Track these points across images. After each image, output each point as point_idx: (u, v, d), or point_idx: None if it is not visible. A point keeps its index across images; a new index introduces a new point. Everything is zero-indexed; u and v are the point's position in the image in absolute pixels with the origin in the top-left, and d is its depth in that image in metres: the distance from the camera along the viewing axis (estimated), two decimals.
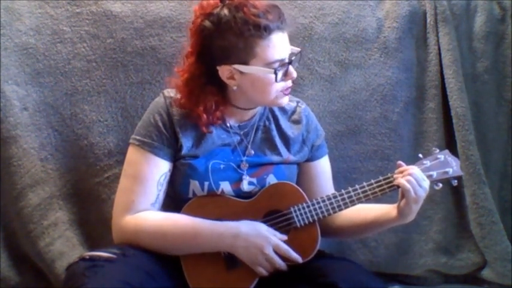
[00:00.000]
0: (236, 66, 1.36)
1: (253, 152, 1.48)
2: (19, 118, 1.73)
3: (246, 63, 1.36)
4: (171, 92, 1.47)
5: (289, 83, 1.41)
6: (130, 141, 1.45)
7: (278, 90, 1.40)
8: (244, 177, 1.45)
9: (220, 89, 1.43)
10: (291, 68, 1.39)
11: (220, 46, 1.36)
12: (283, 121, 1.53)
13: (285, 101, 1.44)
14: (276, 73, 1.35)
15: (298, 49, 1.43)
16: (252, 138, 1.49)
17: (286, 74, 1.39)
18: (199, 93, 1.41)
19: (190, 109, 1.42)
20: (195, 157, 1.43)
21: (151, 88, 1.78)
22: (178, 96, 1.43)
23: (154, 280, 1.28)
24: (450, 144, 1.93)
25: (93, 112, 1.77)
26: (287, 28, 1.39)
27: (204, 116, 1.41)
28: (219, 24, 1.35)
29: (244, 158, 1.47)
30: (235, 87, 1.40)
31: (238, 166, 1.46)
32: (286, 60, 1.38)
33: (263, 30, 1.33)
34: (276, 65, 1.36)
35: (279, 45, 1.36)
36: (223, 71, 1.38)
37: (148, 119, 1.44)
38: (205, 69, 1.40)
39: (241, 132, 1.48)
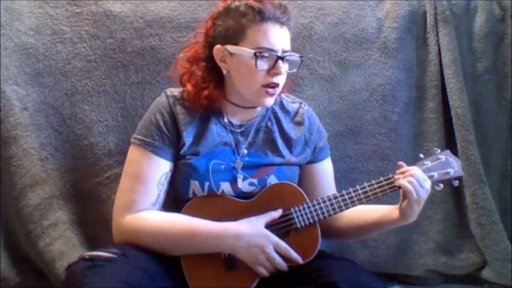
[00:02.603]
0: (227, 46, 1.39)
1: (246, 151, 1.47)
2: (19, 118, 1.72)
3: (235, 44, 1.39)
4: (174, 91, 1.47)
5: (274, 79, 1.39)
6: (132, 140, 1.45)
7: (260, 83, 1.39)
8: (238, 175, 1.45)
9: (216, 74, 1.44)
10: (280, 63, 1.38)
11: (220, 26, 1.42)
12: (286, 122, 1.53)
13: (268, 102, 1.42)
14: (256, 56, 1.36)
15: (300, 55, 1.45)
16: (252, 139, 1.49)
17: (272, 67, 1.38)
18: (194, 70, 1.45)
19: (185, 85, 1.45)
20: (196, 155, 1.43)
21: (151, 88, 1.78)
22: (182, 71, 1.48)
23: (154, 280, 1.28)
24: (450, 144, 1.93)
25: (93, 112, 1.77)
26: (288, 25, 1.41)
27: (192, 90, 1.43)
28: (226, 8, 1.42)
29: (239, 158, 1.47)
30: (225, 71, 1.43)
31: (234, 166, 1.46)
32: (278, 54, 1.38)
33: (256, 14, 1.36)
34: (262, 51, 1.37)
35: (270, 34, 1.38)
36: (217, 52, 1.42)
37: (149, 119, 1.45)
38: (207, 50, 1.45)
39: (239, 131, 1.48)
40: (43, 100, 1.76)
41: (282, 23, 1.39)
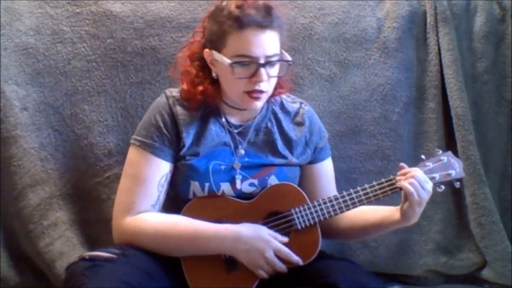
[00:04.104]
0: (213, 51, 1.39)
1: (243, 152, 1.47)
2: (19, 118, 1.73)
3: (219, 50, 1.38)
4: (173, 92, 1.47)
5: (257, 86, 1.36)
6: (131, 141, 1.45)
7: (241, 90, 1.38)
8: (237, 176, 1.44)
9: (210, 74, 1.43)
10: (261, 71, 1.35)
11: (208, 29, 1.41)
12: (286, 123, 1.52)
13: (255, 106, 1.41)
14: (231, 67, 1.35)
15: (286, 59, 1.42)
16: (251, 139, 1.48)
17: (253, 75, 1.36)
18: (189, 68, 1.45)
19: (183, 83, 1.46)
20: (196, 155, 1.43)
21: (151, 88, 1.79)
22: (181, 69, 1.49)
23: (154, 280, 1.28)
24: (450, 144, 1.93)
25: (93, 112, 1.77)
26: (272, 27, 1.36)
27: (187, 87, 1.43)
28: (215, 10, 1.41)
29: (237, 158, 1.46)
30: (214, 74, 1.42)
31: (233, 166, 1.46)
32: (260, 61, 1.35)
33: (234, 22, 1.34)
34: (241, 59, 1.34)
35: (250, 42, 1.34)
36: (207, 55, 1.42)
37: (149, 119, 1.44)
38: (202, 50, 1.44)
39: (237, 131, 1.48)
40: (43, 100, 1.76)
41: (264, 27, 1.34)
